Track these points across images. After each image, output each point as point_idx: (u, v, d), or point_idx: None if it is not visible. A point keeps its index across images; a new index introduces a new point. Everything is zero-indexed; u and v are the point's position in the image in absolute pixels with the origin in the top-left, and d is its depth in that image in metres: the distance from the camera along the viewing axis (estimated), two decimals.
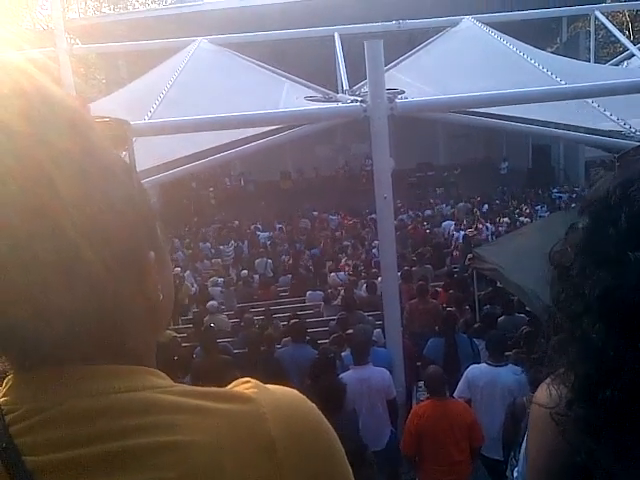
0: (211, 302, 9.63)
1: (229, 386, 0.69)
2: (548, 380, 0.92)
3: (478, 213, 17.37)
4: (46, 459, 0.55)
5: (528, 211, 18.35)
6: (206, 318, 8.91)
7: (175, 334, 7.67)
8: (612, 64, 15.73)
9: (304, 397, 0.68)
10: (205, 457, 0.58)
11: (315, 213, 20.92)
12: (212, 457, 0.58)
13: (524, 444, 1.02)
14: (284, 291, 12.34)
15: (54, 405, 0.57)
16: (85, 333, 0.60)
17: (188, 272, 13.08)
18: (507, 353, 5.64)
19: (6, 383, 0.61)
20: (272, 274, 13.55)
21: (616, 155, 0.89)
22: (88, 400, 0.58)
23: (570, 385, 0.84)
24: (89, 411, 0.57)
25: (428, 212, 20.00)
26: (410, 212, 19.72)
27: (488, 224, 16.03)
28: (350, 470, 0.69)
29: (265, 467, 0.60)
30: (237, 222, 20.28)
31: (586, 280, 0.79)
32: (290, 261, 14.32)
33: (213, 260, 15.32)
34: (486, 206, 18.90)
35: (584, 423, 0.82)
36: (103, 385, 0.59)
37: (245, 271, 13.22)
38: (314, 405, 0.68)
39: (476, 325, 7.16)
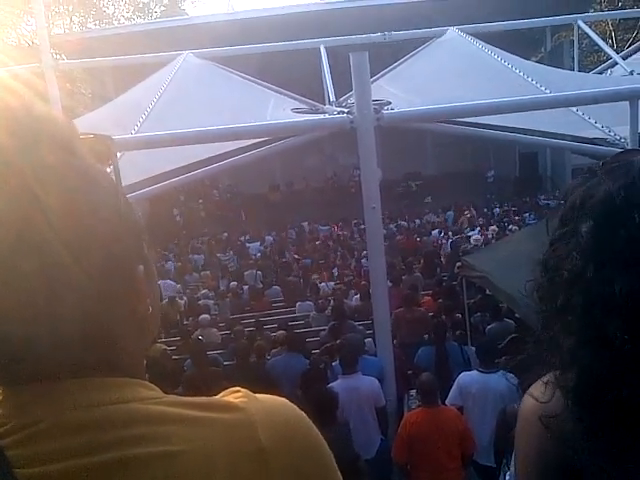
0: (203, 316, 9.58)
1: (219, 395, 0.69)
2: (545, 379, 0.92)
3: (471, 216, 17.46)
4: (37, 472, 0.55)
5: (517, 218, 18.48)
6: (197, 332, 8.89)
7: (165, 347, 7.63)
8: (596, 72, 15.88)
9: (293, 405, 0.68)
10: (195, 466, 0.58)
11: (305, 224, 20.95)
12: (202, 466, 0.58)
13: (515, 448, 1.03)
14: (274, 302, 12.32)
15: (44, 418, 0.58)
16: (72, 346, 0.60)
17: (171, 283, 12.94)
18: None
19: None
20: (262, 285, 13.53)
21: (601, 162, 0.90)
22: (78, 413, 0.58)
23: (572, 386, 0.85)
24: (79, 424, 0.58)
25: (417, 221, 20.10)
26: (400, 222, 19.79)
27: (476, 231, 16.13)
28: (341, 477, 0.69)
29: (256, 475, 0.60)
30: (226, 234, 20.26)
31: (607, 282, 0.80)
32: (279, 271, 14.36)
33: (202, 273, 15.27)
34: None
35: (586, 424, 0.83)
36: (93, 398, 0.59)
37: (234, 282, 13.19)
38: (303, 413, 0.69)
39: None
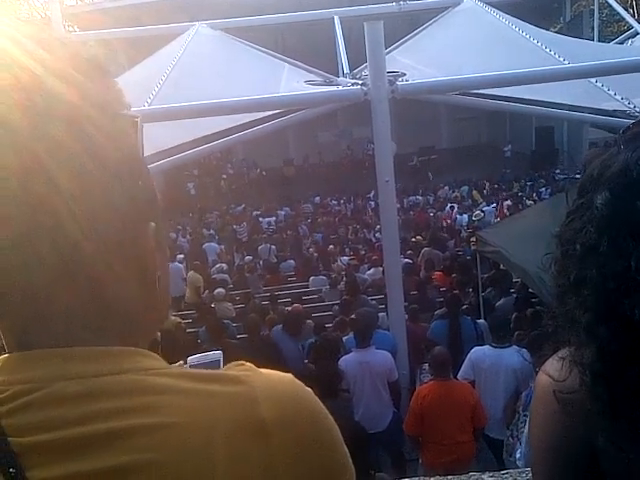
0: (218, 290, 9.64)
1: (223, 369, 0.68)
2: (561, 354, 0.90)
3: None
4: (30, 441, 0.55)
5: (532, 193, 18.32)
6: (212, 305, 8.97)
7: (180, 320, 7.72)
8: (616, 43, 15.56)
9: (299, 381, 0.67)
10: (192, 439, 0.57)
11: (317, 199, 20.94)
12: (200, 439, 0.57)
13: (527, 424, 1.00)
14: (288, 276, 12.38)
15: (41, 387, 0.57)
16: (78, 316, 0.60)
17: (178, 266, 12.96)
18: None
19: None
20: (276, 260, 13.58)
21: (621, 130, 0.87)
22: (75, 383, 0.57)
23: (589, 363, 0.82)
24: (75, 394, 0.57)
25: (430, 196, 20.01)
26: (414, 197, 19.71)
27: (491, 206, 16.07)
28: (348, 456, 0.67)
29: (257, 450, 0.59)
30: (241, 207, 20.35)
31: (622, 256, 0.77)
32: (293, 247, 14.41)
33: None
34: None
35: (604, 402, 0.81)
36: (92, 368, 0.59)
37: (249, 257, 13.24)
38: (310, 390, 0.67)
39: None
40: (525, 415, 4.49)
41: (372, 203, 18.24)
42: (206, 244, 14.85)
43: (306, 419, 0.64)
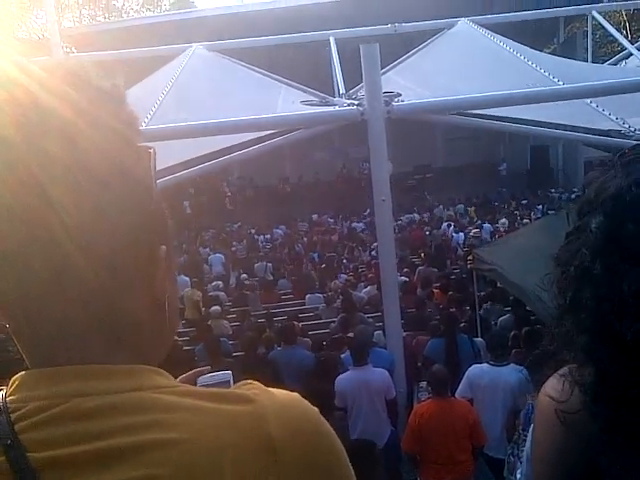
0: (214, 307, 9.62)
1: (231, 388, 0.69)
2: (561, 372, 0.91)
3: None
4: (47, 456, 0.57)
5: (527, 212, 18.39)
6: (208, 323, 8.94)
7: (175, 338, 7.67)
8: (610, 64, 15.71)
9: (305, 401, 0.68)
10: (201, 456, 0.58)
11: (315, 216, 20.96)
12: (208, 456, 0.58)
13: (528, 443, 1.00)
14: (283, 294, 12.35)
15: (59, 404, 0.59)
16: (81, 337, 0.61)
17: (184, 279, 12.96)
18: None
19: (12, 382, 0.63)
20: (272, 277, 13.56)
21: (617, 154, 0.89)
22: (91, 399, 0.59)
23: (589, 383, 0.83)
24: (91, 410, 0.58)
25: (426, 215, 20.06)
26: (411, 214, 19.77)
27: (487, 224, 16.11)
28: (353, 475, 0.68)
29: (264, 468, 0.60)
30: (237, 225, 20.33)
31: (615, 279, 0.78)
32: (290, 265, 14.38)
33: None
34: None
35: (606, 422, 0.81)
36: (106, 385, 0.60)
37: (245, 275, 13.22)
38: (316, 408, 0.68)
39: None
40: (525, 434, 4.47)
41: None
42: (211, 255, 15.47)
43: (313, 437, 0.65)
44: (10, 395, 0.61)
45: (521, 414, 4.56)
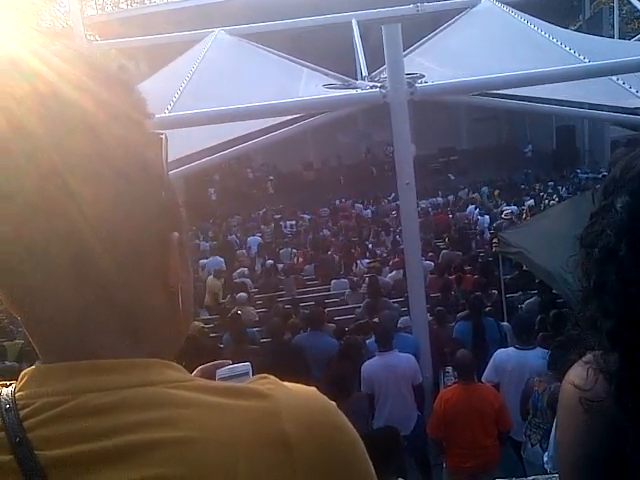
0: (241, 294, 9.68)
1: (246, 382, 0.68)
2: (585, 359, 0.88)
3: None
4: (56, 454, 0.56)
5: (553, 194, 18.11)
6: (235, 309, 9.00)
7: (203, 325, 7.75)
8: (637, 39, 15.31)
9: (322, 395, 0.67)
10: (214, 454, 0.57)
11: (338, 202, 20.90)
12: (221, 454, 0.57)
13: (553, 430, 0.97)
14: (309, 280, 12.38)
15: (69, 400, 0.58)
16: (98, 328, 0.61)
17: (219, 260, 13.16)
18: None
19: (21, 378, 0.62)
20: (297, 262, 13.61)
21: None
22: (101, 395, 0.58)
23: (614, 370, 0.81)
24: (101, 406, 0.57)
25: (451, 197, 19.86)
26: (434, 198, 19.59)
27: (513, 206, 15.91)
28: (372, 470, 0.66)
29: (279, 465, 0.59)
30: (261, 211, 20.39)
31: (639, 262, 0.76)
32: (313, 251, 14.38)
33: (238, 252, 15.39)
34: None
35: (631, 410, 0.79)
36: (117, 380, 0.59)
37: (270, 261, 13.27)
38: (333, 403, 0.67)
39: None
40: (535, 420, 4.44)
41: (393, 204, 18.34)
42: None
43: (329, 433, 0.64)
44: (19, 391, 0.61)
45: (530, 401, 4.52)
